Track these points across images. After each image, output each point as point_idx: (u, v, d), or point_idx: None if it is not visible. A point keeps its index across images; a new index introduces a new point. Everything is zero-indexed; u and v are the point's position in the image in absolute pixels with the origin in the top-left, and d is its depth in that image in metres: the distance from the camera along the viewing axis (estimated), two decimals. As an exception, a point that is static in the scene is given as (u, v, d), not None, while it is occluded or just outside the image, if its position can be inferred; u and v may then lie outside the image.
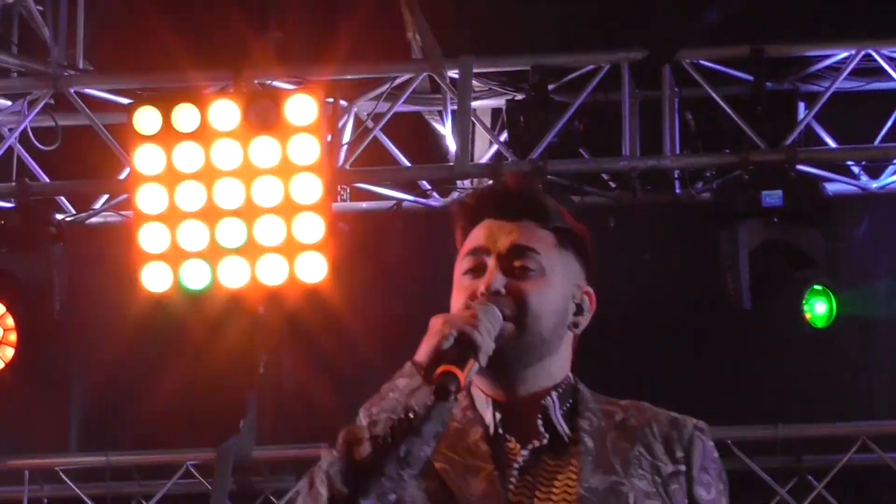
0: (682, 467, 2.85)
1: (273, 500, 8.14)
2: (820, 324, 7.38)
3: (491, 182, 2.54)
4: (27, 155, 8.05)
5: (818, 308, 7.38)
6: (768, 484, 7.79)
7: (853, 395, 7.71)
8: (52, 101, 7.98)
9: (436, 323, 2.76)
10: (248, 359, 8.07)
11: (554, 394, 2.89)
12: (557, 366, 2.89)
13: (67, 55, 8.05)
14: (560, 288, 2.87)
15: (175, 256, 7.67)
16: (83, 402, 8.67)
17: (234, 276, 7.58)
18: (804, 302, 7.18)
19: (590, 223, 7.66)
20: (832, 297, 7.41)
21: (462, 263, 2.91)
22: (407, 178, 8.12)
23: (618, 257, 7.78)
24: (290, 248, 7.53)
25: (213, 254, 7.65)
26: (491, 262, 2.86)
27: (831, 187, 7.69)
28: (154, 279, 7.49)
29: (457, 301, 2.89)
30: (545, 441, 2.83)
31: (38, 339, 8.02)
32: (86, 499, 8.12)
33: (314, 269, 7.55)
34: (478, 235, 2.93)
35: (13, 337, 7.82)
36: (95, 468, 8.30)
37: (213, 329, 7.91)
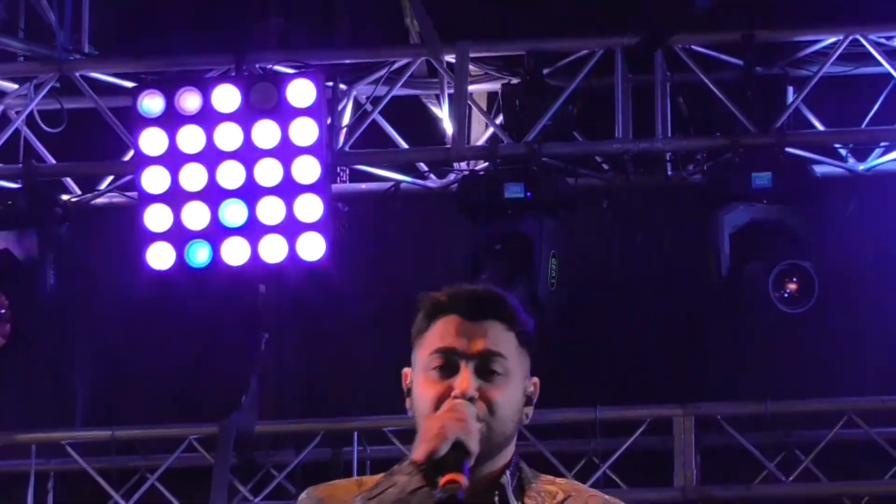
0: None
1: (274, 473, 8.25)
2: (791, 306, 7.41)
3: (460, 285, 2.49)
4: (34, 137, 8.18)
5: (789, 287, 7.41)
6: (757, 458, 7.94)
7: (840, 371, 7.76)
8: (57, 85, 8.08)
9: (432, 427, 2.89)
10: (250, 336, 8.25)
11: (508, 472, 3.04)
12: (510, 450, 3.04)
13: (73, 40, 8.13)
14: (519, 387, 3.04)
15: (178, 236, 7.82)
16: (89, 377, 8.79)
17: (235, 254, 7.72)
18: (776, 283, 7.24)
19: (584, 204, 7.80)
20: (811, 277, 7.42)
21: (431, 358, 3.02)
22: (405, 160, 8.25)
23: (611, 238, 7.97)
24: (291, 228, 7.65)
25: (216, 233, 7.76)
26: (464, 367, 2.99)
27: (819, 169, 7.83)
28: (158, 258, 7.64)
29: (425, 393, 3.01)
30: None
31: (36, 316, 8.08)
32: (92, 472, 8.23)
33: (314, 248, 7.70)
34: (447, 334, 3.06)
35: (9, 315, 7.93)
36: (101, 442, 8.43)
37: (216, 307, 8.11)
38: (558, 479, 3.14)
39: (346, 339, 8.56)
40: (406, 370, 3.15)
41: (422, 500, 2.88)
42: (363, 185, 8.46)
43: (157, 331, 8.42)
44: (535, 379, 3.14)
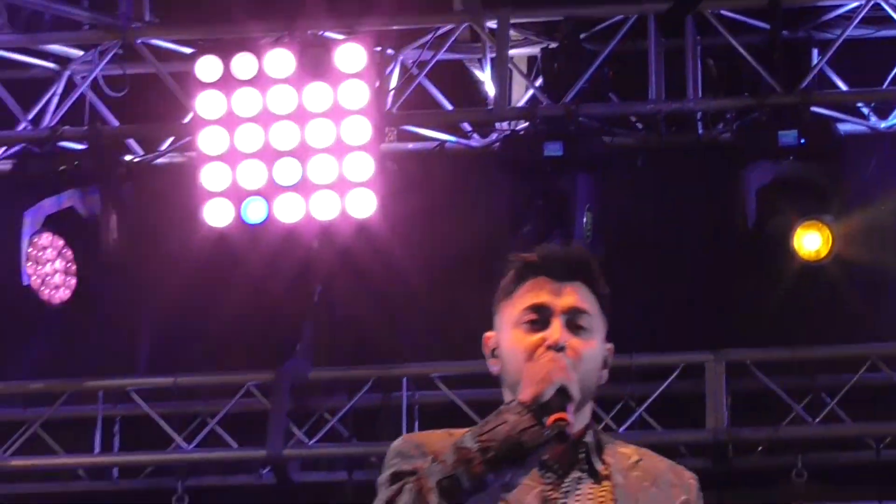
0: None
1: (327, 417, 8.61)
2: (811, 257, 7.69)
3: (549, 245, 2.67)
4: (98, 101, 8.45)
5: (810, 242, 7.66)
6: (784, 401, 8.21)
7: (862, 318, 7.98)
8: (120, 52, 8.34)
9: (538, 372, 3.06)
10: (304, 288, 8.54)
11: (591, 433, 3.23)
12: (589, 410, 3.22)
13: (135, 8, 8.38)
14: (600, 346, 3.20)
15: (235, 194, 8.07)
16: (152, 328, 9.05)
17: (289, 211, 7.99)
18: (796, 236, 7.52)
19: (619, 162, 8.14)
20: (828, 231, 7.66)
21: (523, 314, 3.17)
22: (449, 120, 8.49)
23: (644, 193, 8.27)
24: (342, 186, 7.92)
25: (270, 191, 8.01)
26: (555, 320, 3.17)
27: (843, 127, 8.05)
28: (216, 215, 7.89)
29: (517, 346, 3.17)
30: (584, 472, 3.18)
31: (101, 271, 8.40)
32: (155, 417, 8.60)
33: (364, 205, 7.94)
34: (540, 291, 3.22)
35: (74, 268, 8.26)
36: (164, 388, 8.80)
37: (271, 261, 8.26)
38: (630, 444, 3.33)
39: (395, 291, 8.73)
40: (488, 334, 3.28)
41: (532, 438, 3.00)
42: (410, 145, 8.69)
43: (216, 284, 8.58)
44: (611, 345, 3.30)
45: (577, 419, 3.15)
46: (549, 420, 3.02)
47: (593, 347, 3.19)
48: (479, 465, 3.01)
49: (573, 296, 3.20)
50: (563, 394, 3.05)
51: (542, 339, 3.11)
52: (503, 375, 3.25)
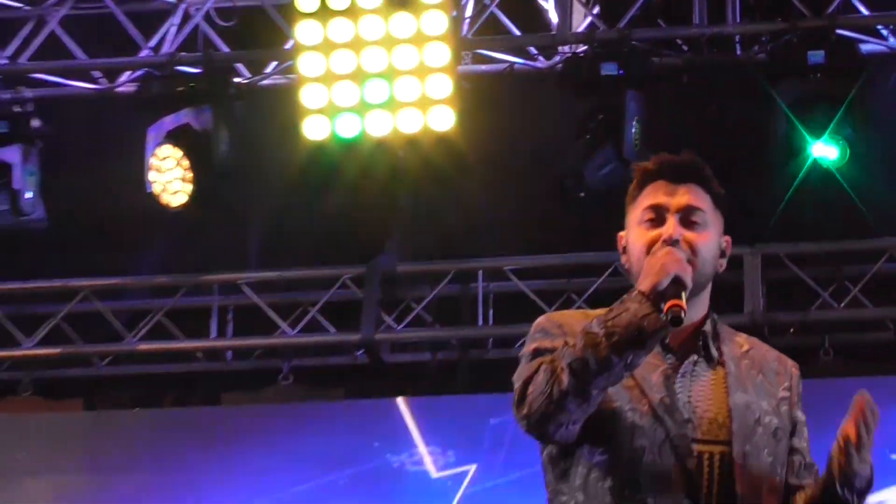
0: (788, 394, 3.49)
1: (413, 305, 9.26)
2: (827, 164, 8.19)
3: (665, 154, 3.38)
4: (210, 30, 8.98)
5: (832, 152, 8.18)
6: (813, 289, 8.74)
7: (882, 216, 8.46)
8: None
9: (655, 264, 3.29)
10: (392, 193, 9.12)
11: (710, 322, 3.48)
12: (707, 299, 3.47)
13: None
14: (715, 239, 3.42)
15: (331, 111, 8.54)
16: (261, 228, 9.58)
17: (379, 126, 8.52)
18: (819, 145, 8.02)
19: (666, 80, 8.88)
20: (844, 144, 8.16)
21: (644, 213, 3.44)
22: (517, 45, 8.91)
23: (688, 107, 8.78)
24: (424, 103, 8.40)
25: (362, 108, 8.51)
26: (671, 217, 3.40)
27: (865, 48, 8.46)
28: (314, 130, 8.40)
29: (639, 241, 3.44)
30: (701, 357, 3.43)
31: (214, 178, 8.84)
32: (263, 306, 9.25)
33: (444, 120, 8.39)
34: (657, 193, 3.48)
35: (191, 175, 8.75)
36: (271, 281, 9.48)
37: (363, 169, 8.79)
38: (741, 334, 3.59)
39: (471, 195, 9.23)
40: (620, 234, 3.56)
41: (650, 324, 3.21)
42: (483, 67, 9.14)
43: (316, 189, 9.06)
44: (728, 237, 3.54)
45: (695, 306, 3.41)
46: (665, 307, 3.24)
47: (706, 240, 3.40)
48: (604, 348, 3.25)
49: (687, 195, 3.43)
50: (677, 283, 3.26)
51: (658, 235, 3.34)
52: (630, 269, 3.51)
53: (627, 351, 3.25)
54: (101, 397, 10.06)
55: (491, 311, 9.62)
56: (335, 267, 9.44)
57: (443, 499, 9.30)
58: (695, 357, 3.45)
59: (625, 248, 3.50)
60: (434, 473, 9.33)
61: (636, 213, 3.44)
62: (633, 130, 8.42)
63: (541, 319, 3.52)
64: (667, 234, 3.35)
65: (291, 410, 9.65)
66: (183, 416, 9.91)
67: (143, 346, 9.64)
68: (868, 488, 3.52)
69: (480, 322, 9.66)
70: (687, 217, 3.39)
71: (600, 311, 3.36)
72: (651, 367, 3.42)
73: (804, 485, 3.53)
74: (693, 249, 3.36)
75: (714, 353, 3.48)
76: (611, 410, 3.38)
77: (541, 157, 9.07)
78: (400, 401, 9.47)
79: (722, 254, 3.49)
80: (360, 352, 9.44)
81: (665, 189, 3.42)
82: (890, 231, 8.71)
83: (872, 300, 8.79)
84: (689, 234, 3.36)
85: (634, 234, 3.44)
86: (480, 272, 9.46)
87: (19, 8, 9.24)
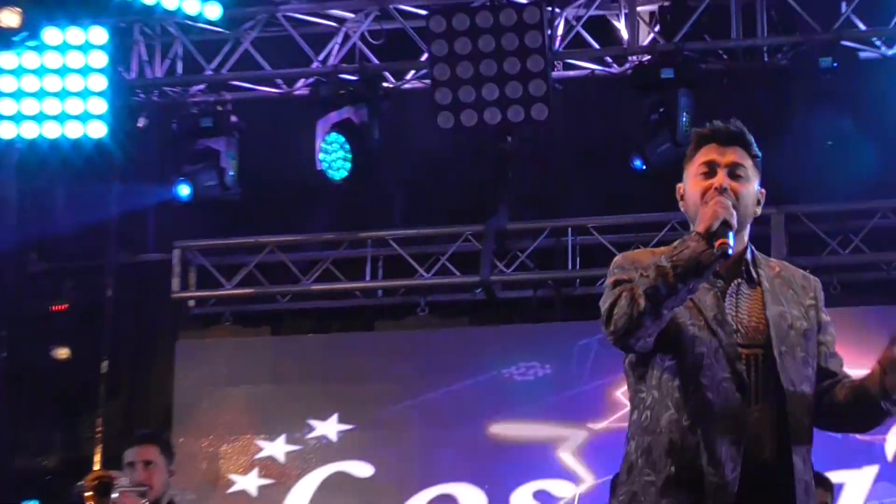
0: (814, 301, 3.73)
1: (519, 254, 10.01)
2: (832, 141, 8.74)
3: (718, 121, 3.69)
4: (364, 47, 9.79)
5: (833, 134, 8.75)
6: (824, 239, 9.44)
7: (882, 176, 9.09)
8: (378, 13, 9.60)
9: (707, 211, 3.47)
10: (503, 167, 9.87)
11: (749, 251, 3.65)
12: (747, 234, 3.65)
13: None
14: (753, 190, 3.66)
15: (455, 108, 9.15)
16: (403, 194, 10.37)
17: (493, 117, 9.03)
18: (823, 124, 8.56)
19: (710, 82, 9.52)
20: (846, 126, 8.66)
21: (698, 168, 3.64)
22: (597, 55, 9.54)
23: (728, 103, 9.16)
24: (527, 100, 8.86)
25: (479, 105, 9.04)
26: (720, 171, 3.60)
27: (862, 55, 9.06)
28: (445, 120, 9.03)
29: (695, 190, 3.62)
30: (743, 280, 3.63)
31: (368, 157, 9.48)
32: (406, 256, 10.03)
33: (541, 112, 8.86)
34: (709, 153, 3.68)
35: (351, 157, 9.41)
36: (411, 237, 10.29)
37: (479, 150, 9.68)
38: (774, 259, 3.79)
39: (563, 168, 10.02)
40: (679, 185, 3.75)
41: (706, 258, 3.40)
42: (571, 73, 9.77)
43: (446, 163, 9.88)
44: (763, 190, 3.76)
45: (738, 241, 3.57)
46: (717, 244, 3.42)
47: (747, 189, 3.62)
48: (672, 277, 3.45)
49: (733, 155, 3.64)
50: (725, 224, 3.45)
51: (710, 184, 3.54)
52: (687, 213, 3.71)
53: (689, 279, 3.48)
54: (284, 326, 10.81)
55: (578, 259, 10.17)
56: (459, 226, 10.14)
57: (540, 401, 10.05)
58: (738, 280, 3.67)
59: (682, 196, 3.72)
60: (534, 382, 10.04)
61: (693, 168, 3.63)
62: (684, 120, 8.99)
63: (617, 258, 3.73)
64: (717, 183, 3.55)
65: (427, 335, 10.47)
66: (346, 339, 10.74)
67: (315, 287, 10.46)
68: None
69: (570, 267, 10.25)
70: (733, 171, 3.61)
71: (665, 249, 3.58)
72: (705, 290, 3.65)
73: (832, 370, 3.77)
74: (737, 196, 3.58)
75: (754, 275, 3.69)
76: (676, 326, 3.60)
77: (614, 140, 9.70)
78: (509, 328, 10.37)
79: (758, 202, 3.72)
80: (479, 290, 10.12)
81: (716, 150, 3.65)
82: (883, 194, 9.39)
83: (870, 248, 9.51)
84: (734, 185, 3.58)
85: (691, 184, 3.64)
86: (570, 228, 10.04)
87: (221, 32, 9.99)
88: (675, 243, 3.57)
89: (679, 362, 3.68)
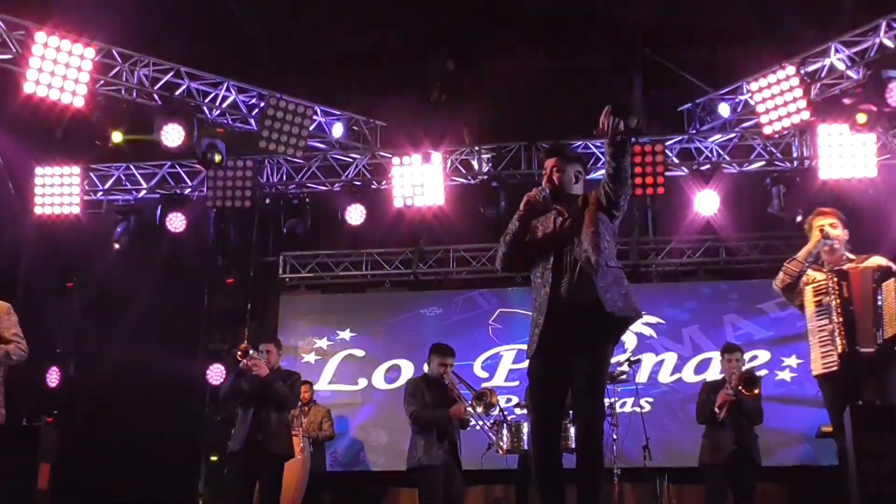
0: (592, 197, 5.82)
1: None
2: None
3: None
4: None
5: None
6: None
7: None
8: None
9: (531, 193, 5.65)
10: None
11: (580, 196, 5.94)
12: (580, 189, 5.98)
13: None
14: (571, 175, 6.24)
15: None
16: None
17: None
18: None
19: None
20: None
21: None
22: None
23: None
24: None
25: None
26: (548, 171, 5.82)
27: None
28: None
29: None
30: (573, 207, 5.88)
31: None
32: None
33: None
34: (548, 163, 6.19)
35: None
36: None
37: None
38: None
39: None
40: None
41: (535, 207, 5.37)
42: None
43: None
44: (580, 169, 6.15)
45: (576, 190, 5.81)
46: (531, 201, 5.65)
47: (565, 175, 5.78)
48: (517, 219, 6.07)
49: (551, 161, 5.88)
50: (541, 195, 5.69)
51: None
52: None
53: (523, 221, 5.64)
54: (330, 289, 17.14)
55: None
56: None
57: (438, 323, 16.86)
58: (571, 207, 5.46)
59: None
60: (435, 316, 17.62)
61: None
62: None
63: None
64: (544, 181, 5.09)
65: (392, 295, 17.69)
66: (356, 297, 17.72)
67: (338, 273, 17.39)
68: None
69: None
70: (552, 171, 5.52)
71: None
72: (550, 218, 5.53)
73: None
74: (558, 181, 5.36)
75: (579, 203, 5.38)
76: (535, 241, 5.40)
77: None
78: (429, 292, 17.34)
79: (576, 180, 5.61)
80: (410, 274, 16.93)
81: (548, 161, 5.28)
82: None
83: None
84: (556, 175, 5.39)
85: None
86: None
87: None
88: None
89: (540, 255, 6.31)
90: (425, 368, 12.86)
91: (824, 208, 8.37)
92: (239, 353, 12.17)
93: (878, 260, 8.83)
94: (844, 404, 8.04)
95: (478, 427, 12.74)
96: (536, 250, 6.93)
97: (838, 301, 8.65)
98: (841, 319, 8.57)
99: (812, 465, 16.13)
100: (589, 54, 16.38)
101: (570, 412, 8.53)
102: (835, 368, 8.60)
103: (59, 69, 15.06)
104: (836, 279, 8.67)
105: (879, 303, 8.51)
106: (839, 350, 8.50)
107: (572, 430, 11.58)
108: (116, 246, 17.46)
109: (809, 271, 8.90)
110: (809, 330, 8.87)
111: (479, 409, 12.15)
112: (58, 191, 17.56)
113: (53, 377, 17.95)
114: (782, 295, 8.99)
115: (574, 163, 7.07)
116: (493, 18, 16.63)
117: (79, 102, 15.28)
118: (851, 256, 8.91)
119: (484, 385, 14.21)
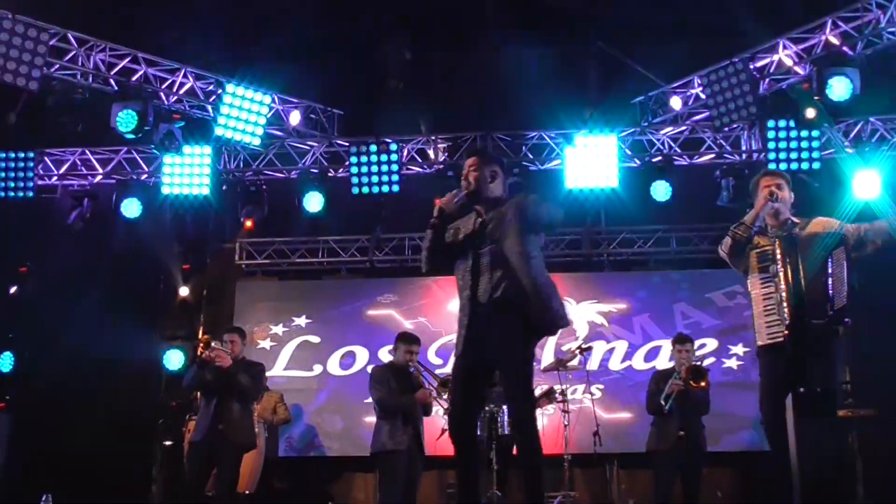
0: (513, 207, 6.70)
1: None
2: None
3: None
4: None
5: None
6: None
7: None
8: None
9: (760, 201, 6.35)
10: None
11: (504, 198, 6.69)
12: (500, 189, 6.90)
13: None
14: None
15: None
16: None
17: None
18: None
19: None
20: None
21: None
22: None
23: None
24: None
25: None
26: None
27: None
28: None
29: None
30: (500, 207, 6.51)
31: None
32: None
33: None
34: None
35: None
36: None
37: None
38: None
39: None
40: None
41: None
42: None
43: None
44: (496, 168, 6.68)
45: (494, 190, 6.67)
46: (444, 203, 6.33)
47: (482, 174, 6.54)
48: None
49: (473, 161, 6.20)
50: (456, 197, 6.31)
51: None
52: None
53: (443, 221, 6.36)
54: (286, 276, 17.76)
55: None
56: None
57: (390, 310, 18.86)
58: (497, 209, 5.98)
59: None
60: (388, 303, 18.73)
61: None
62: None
63: None
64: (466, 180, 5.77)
65: (344, 282, 18.28)
66: (313, 284, 18.08)
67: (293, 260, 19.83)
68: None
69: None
70: (469, 171, 6.15)
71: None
72: (469, 219, 6.11)
73: None
74: (475, 179, 6.26)
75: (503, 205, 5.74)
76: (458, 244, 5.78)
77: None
78: (380, 279, 18.24)
79: (492, 178, 6.22)
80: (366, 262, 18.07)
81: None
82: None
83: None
84: (473, 174, 6.01)
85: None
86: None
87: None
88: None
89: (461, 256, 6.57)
90: (390, 356, 13.16)
91: (771, 169, 8.32)
92: (201, 344, 12.31)
93: (822, 220, 8.44)
94: (784, 380, 7.94)
95: (441, 413, 12.88)
96: (459, 250, 7.08)
97: (784, 269, 8.25)
98: (787, 288, 8.12)
99: (757, 450, 16.36)
100: (544, 46, 16.61)
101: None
102: (780, 339, 8.21)
103: (14, 52, 15.04)
104: (781, 245, 8.33)
105: (829, 271, 8.08)
106: (787, 321, 8.06)
107: (502, 418, 12.64)
108: (72, 230, 17.33)
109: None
110: (753, 298, 8.56)
111: (444, 396, 12.35)
112: (11, 175, 17.40)
113: (7, 362, 17.97)
114: (728, 261, 8.64)
115: (491, 163, 7.25)
116: (450, 7, 16.70)
117: (33, 86, 15.24)
118: (796, 220, 8.51)
119: (438, 371, 14.43)
